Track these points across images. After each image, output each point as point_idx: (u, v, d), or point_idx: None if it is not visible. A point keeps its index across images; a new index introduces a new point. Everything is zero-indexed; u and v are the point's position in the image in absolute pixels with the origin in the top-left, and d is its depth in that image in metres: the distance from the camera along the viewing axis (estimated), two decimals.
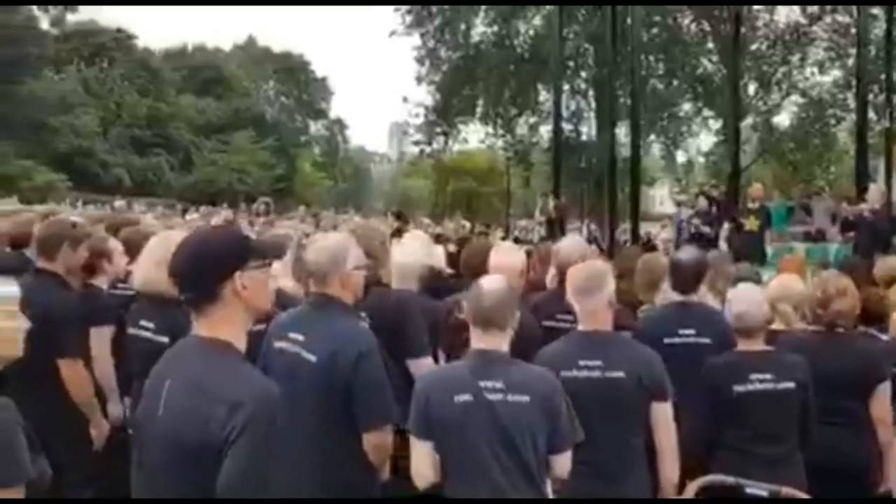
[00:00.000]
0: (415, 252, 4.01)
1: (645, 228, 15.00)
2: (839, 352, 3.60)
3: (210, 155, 48.13)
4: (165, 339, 3.23)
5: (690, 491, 2.97)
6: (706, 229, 11.80)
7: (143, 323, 3.40)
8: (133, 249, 4.57)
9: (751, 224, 10.22)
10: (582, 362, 3.06)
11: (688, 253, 4.04)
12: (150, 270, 3.34)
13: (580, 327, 3.18)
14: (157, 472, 1.94)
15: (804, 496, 3.01)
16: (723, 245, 9.97)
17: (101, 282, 4.27)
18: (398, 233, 10.46)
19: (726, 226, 10.59)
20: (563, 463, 2.75)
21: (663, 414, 3.09)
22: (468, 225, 20.07)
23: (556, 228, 12.80)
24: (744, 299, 3.45)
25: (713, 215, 12.08)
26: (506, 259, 3.83)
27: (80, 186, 34.66)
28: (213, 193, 38.80)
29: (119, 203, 19.14)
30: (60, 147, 38.95)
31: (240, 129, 50.18)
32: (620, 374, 3.05)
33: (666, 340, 3.60)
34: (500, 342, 2.78)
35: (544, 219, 14.21)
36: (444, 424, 2.73)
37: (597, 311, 3.12)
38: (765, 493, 2.85)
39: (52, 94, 40.08)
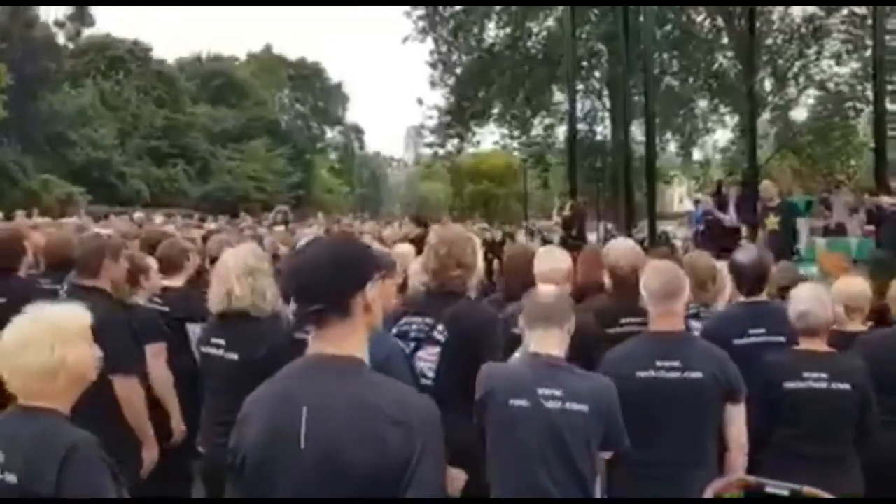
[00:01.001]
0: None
1: (662, 227, 14.93)
2: None
3: (226, 164, 48.48)
4: (235, 357, 3.28)
5: (710, 492, 2.96)
6: (723, 215, 11.72)
7: (214, 340, 3.40)
8: (170, 264, 4.62)
9: (770, 223, 10.09)
10: (659, 363, 3.06)
11: (749, 254, 3.99)
12: (233, 286, 3.33)
13: (653, 328, 3.18)
14: None
15: (827, 496, 2.97)
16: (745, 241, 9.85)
17: (140, 298, 4.29)
18: (420, 239, 10.42)
19: (744, 229, 10.45)
20: (603, 456, 2.82)
21: (737, 414, 3.11)
22: (488, 227, 20.03)
23: (573, 229, 12.73)
24: (807, 298, 3.40)
25: (726, 208, 12.08)
26: (553, 264, 3.85)
27: (99, 198, 35.00)
28: (231, 202, 39.07)
29: (138, 215, 19.22)
30: (78, 160, 39.35)
31: (255, 137, 50.51)
32: (699, 374, 3.05)
33: (736, 342, 3.57)
34: (557, 344, 2.80)
35: (561, 220, 14.17)
36: (497, 426, 2.77)
37: (674, 312, 3.14)
38: (785, 493, 2.82)
39: (70, 107, 40.53)
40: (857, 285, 4.01)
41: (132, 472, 3.56)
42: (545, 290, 2.99)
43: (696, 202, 15.15)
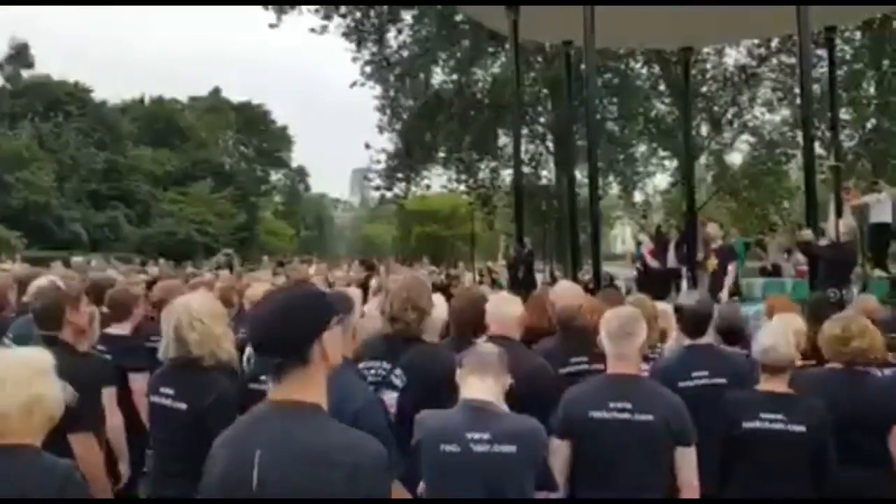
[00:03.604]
0: (440, 305, 4.01)
1: (607, 268, 15.20)
2: (859, 389, 3.64)
3: (169, 207, 47.74)
4: (183, 406, 3.22)
5: None
6: (655, 263, 12.13)
7: (163, 390, 3.33)
8: (119, 311, 4.50)
9: (710, 265, 10.39)
10: (612, 404, 3.12)
11: (693, 298, 4.10)
12: (185, 333, 3.29)
13: (609, 370, 3.26)
14: None
15: None
16: (684, 284, 10.13)
17: (83, 347, 4.13)
18: (366, 281, 10.40)
19: (684, 270, 10.75)
20: (539, 495, 2.82)
21: (688, 458, 3.15)
22: (435, 269, 20.12)
23: (518, 272, 12.84)
24: (773, 333, 3.50)
25: (666, 254, 12.48)
26: (505, 310, 3.87)
27: (36, 242, 34.07)
28: (173, 246, 38.43)
29: (76, 259, 18.69)
30: (14, 203, 38.33)
31: (198, 179, 49.93)
32: (649, 417, 3.11)
33: (680, 384, 3.62)
34: (490, 391, 2.85)
35: (506, 263, 14.29)
36: (431, 471, 2.79)
37: (629, 355, 3.21)
38: None
39: (6, 150, 39.56)
40: (794, 322, 4.12)
41: None
42: (486, 346, 3.09)
43: (638, 244, 15.52)
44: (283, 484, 1.73)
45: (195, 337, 3.25)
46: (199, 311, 3.31)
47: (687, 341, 3.97)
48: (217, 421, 3.05)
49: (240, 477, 1.78)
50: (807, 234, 8.99)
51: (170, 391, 3.30)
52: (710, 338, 3.98)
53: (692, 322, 3.94)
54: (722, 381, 3.71)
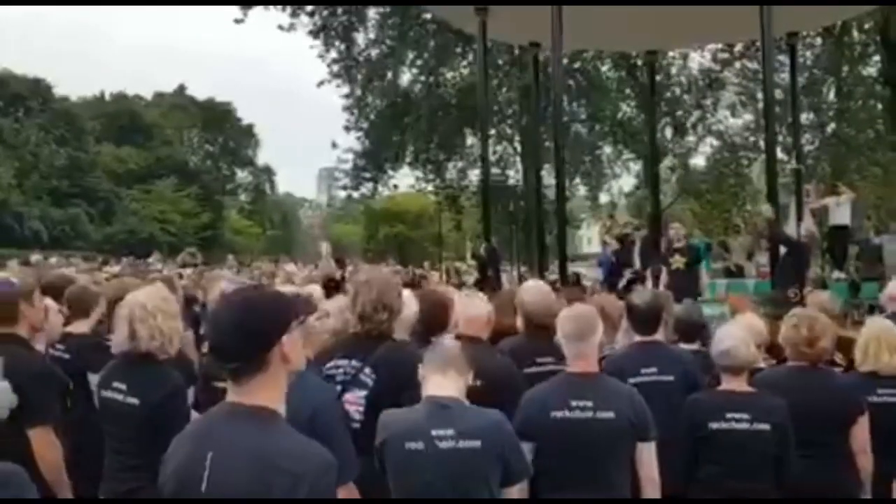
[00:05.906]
0: (410, 303, 3.99)
1: (573, 269, 15.32)
2: (821, 387, 3.74)
3: (131, 204, 47.01)
4: (136, 401, 3.19)
5: None
6: (628, 271, 12.27)
7: (115, 385, 3.28)
8: (78, 309, 4.37)
9: (676, 263, 10.52)
10: (573, 403, 3.13)
11: (644, 296, 4.15)
12: (137, 327, 3.25)
13: (569, 369, 3.27)
14: None
15: None
16: (653, 283, 10.22)
17: (39, 344, 3.96)
18: (341, 280, 10.34)
19: (654, 270, 10.87)
20: (513, 492, 2.83)
21: (648, 452, 3.19)
22: (400, 269, 20.07)
23: (487, 271, 12.89)
24: (731, 337, 3.56)
25: (631, 256, 12.62)
26: (473, 310, 3.86)
27: None
28: (136, 244, 37.85)
29: (35, 257, 18.25)
30: None
31: (162, 177, 49.25)
32: (611, 414, 3.13)
33: (630, 380, 3.67)
34: (454, 387, 2.85)
35: (475, 263, 14.34)
36: (395, 470, 2.78)
37: (587, 353, 3.23)
38: None
39: None
40: (756, 323, 4.21)
41: None
42: (447, 342, 3.10)
43: (604, 244, 15.65)
44: (230, 487, 1.77)
45: (146, 331, 3.23)
46: (150, 306, 3.29)
47: (637, 338, 4.02)
48: (169, 416, 3.03)
49: (192, 476, 1.81)
50: (766, 209, 9.18)
51: (122, 386, 3.26)
52: (660, 335, 4.04)
53: (642, 319, 3.99)
54: (670, 378, 3.79)
